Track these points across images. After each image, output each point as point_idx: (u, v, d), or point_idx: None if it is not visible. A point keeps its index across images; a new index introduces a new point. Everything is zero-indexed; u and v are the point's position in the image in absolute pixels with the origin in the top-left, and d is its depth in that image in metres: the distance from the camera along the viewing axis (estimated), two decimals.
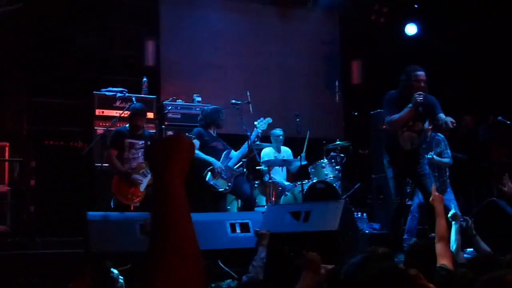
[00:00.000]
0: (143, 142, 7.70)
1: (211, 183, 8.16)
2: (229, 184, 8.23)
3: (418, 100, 6.73)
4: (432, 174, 7.57)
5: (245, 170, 8.58)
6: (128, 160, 7.62)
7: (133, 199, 7.46)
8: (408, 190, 8.11)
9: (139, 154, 7.64)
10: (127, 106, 8.46)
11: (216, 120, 8.44)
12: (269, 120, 8.68)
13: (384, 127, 9.88)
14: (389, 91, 7.13)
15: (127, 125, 7.82)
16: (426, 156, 7.53)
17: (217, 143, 8.42)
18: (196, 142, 8.14)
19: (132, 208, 7.43)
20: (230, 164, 8.29)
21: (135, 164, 7.60)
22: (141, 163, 7.56)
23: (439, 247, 4.48)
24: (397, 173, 7.11)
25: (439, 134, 8.43)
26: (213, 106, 8.62)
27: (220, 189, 8.21)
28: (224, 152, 8.38)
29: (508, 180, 6.75)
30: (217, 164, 8.18)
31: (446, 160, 8.32)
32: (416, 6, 11.57)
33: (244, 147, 8.59)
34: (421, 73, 6.90)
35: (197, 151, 8.09)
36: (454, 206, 8.00)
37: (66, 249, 7.25)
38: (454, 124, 6.58)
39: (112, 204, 7.58)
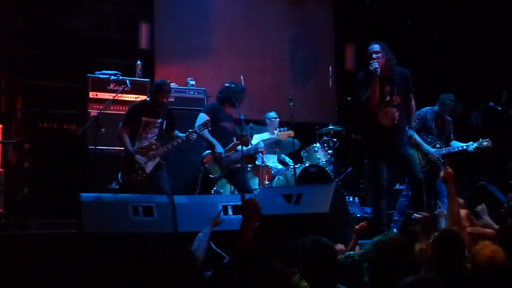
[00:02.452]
0: (160, 120, 7.48)
1: (206, 165, 8.18)
2: (221, 174, 8.18)
3: (370, 68, 6.66)
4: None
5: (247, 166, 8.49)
6: (140, 138, 7.44)
7: (139, 178, 7.32)
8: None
9: (154, 134, 7.47)
10: (121, 89, 8.45)
11: (230, 98, 8.28)
12: (291, 132, 8.68)
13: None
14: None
15: (147, 99, 7.63)
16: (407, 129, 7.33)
17: (228, 123, 8.31)
18: (204, 117, 8.06)
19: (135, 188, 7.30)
20: (233, 156, 8.19)
21: (146, 143, 7.44)
22: (152, 144, 7.43)
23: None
24: (375, 153, 7.01)
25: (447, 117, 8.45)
26: (234, 84, 8.44)
27: (212, 175, 8.21)
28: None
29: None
30: (219, 149, 8.07)
31: (429, 149, 8.26)
32: None
33: (252, 147, 8.66)
34: (372, 47, 6.84)
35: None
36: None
37: (60, 230, 7.30)
38: None
39: (114, 184, 7.56)
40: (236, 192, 8.47)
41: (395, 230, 7.46)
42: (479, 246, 3.69)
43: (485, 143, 8.26)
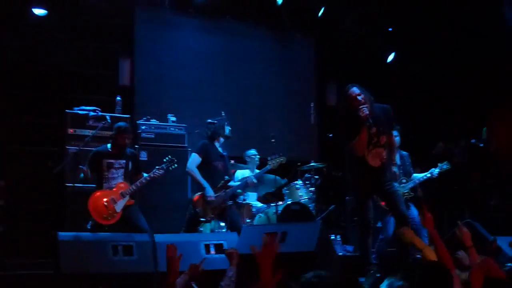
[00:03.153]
0: (124, 161, 7.57)
1: (197, 210, 8.05)
2: (212, 215, 8.08)
3: (362, 115, 6.56)
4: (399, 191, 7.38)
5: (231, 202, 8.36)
6: (107, 180, 7.48)
7: (109, 219, 7.32)
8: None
9: (119, 174, 7.53)
10: (100, 125, 8.35)
11: (216, 130, 8.29)
12: (283, 159, 8.56)
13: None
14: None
15: (108, 145, 7.68)
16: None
17: (219, 163, 8.21)
18: (197, 160, 8.07)
19: (107, 228, 7.29)
20: (227, 193, 8.10)
21: (114, 184, 7.48)
22: (120, 184, 7.48)
23: None
24: (363, 192, 6.95)
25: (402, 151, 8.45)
26: (217, 120, 8.43)
27: (203, 218, 8.09)
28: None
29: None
30: (209, 192, 8.00)
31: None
32: (390, 29, 11.67)
33: (243, 182, 8.61)
34: (353, 90, 6.72)
35: (194, 170, 8.01)
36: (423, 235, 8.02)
37: (36, 271, 7.11)
38: None
39: (89, 225, 7.46)
40: (219, 230, 8.36)
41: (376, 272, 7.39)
42: None
43: (445, 167, 8.27)
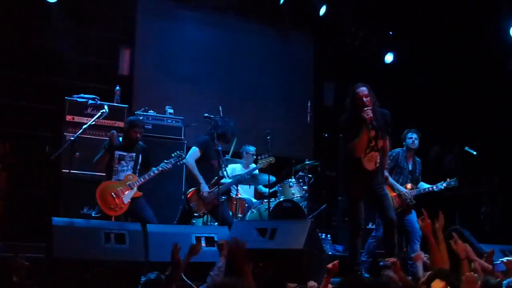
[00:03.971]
0: (134, 154, 7.67)
1: (191, 204, 8.11)
2: (205, 211, 8.16)
3: (366, 117, 6.61)
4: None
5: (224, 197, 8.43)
6: (117, 172, 7.59)
7: (116, 210, 7.44)
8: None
9: (129, 167, 7.64)
10: (98, 113, 8.42)
11: (227, 135, 8.39)
12: (272, 159, 8.72)
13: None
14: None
15: (120, 138, 7.75)
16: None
17: (215, 161, 8.25)
18: (197, 154, 8.14)
19: (113, 219, 7.42)
20: (219, 190, 8.11)
21: (123, 176, 7.58)
22: (128, 175, 7.58)
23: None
24: (357, 194, 6.99)
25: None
26: (228, 119, 8.50)
27: (195, 213, 8.16)
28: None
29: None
30: (204, 188, 8.05)
31: (402, 190, 8.29)
32: (391, 33, 11.74)
33: (237, 178, 8.75)
34: (362, 89, 6.75)
35: (193, 164, 8.08)
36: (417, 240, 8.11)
37: (29, 254, 7.16)
38: None
39: (94, 212, 7.60)
40: (211, 223, 8.44)
41: (363, 271, 7.47)
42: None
43: (452, 183, 8.33)
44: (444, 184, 8.35)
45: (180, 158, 7.82)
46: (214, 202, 8.07)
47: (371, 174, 6.90)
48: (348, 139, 6.82)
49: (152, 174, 7.63)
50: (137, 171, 7.69)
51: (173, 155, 7.82)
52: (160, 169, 7.66)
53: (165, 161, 7.71)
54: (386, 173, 7.80)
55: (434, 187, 8.38)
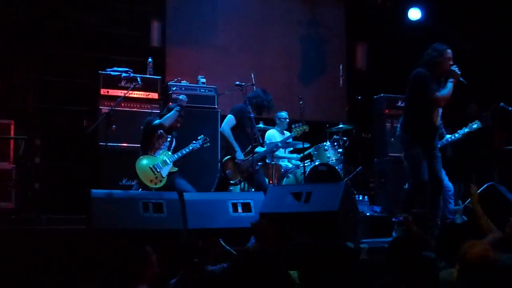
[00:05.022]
0: (170, 137, 7.96)
1: (227, 172, 8.23)
2: (241, 178, 8.29)
3: (458, 72, 6.91)
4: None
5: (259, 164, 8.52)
6: (154, 148, 7.83)
7: (156, 183, 7.67)
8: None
9: (164, 147, 7.90)
10: (132, 86, 8.52)
11: (263, 106, 8.47)
12: (306, 128, 8.78)
13: (387, 111, 10.06)
14: (418, 69, 7.05)
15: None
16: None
17: (249, 128, 8.36)
18: (233, 122, 8.27)
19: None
20: (255, 158, 8.18)
21: (158, 153, 7.82)
22: (164, 152, 7.85)
23: None
24: (423, 151, 7.05)
25: None
26: (270, 96, 8.62)
27: (231, 181, 8.28)
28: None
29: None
30: (240, 156, 8.18)
31: None
32: None
33: (271, 147, 8.88)
34: (450, 51, 7.01)
35: (229, 132, 8.22)
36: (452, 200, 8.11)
37: (69, 225, 7.34)
38: None
39: (135, 186, 7.84)
40: (249, 190, 8.54)
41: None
42: (469, 245, 3.68)
43: (474, 126, 8.26)
44: (466, 130, 8.29)
45: (205, 142, 8.12)
46: (250, 170, 8.15)
47: (436, 130, 7.15)
48: (433, 90, 6.92)
49: (184, 152, 7.91)
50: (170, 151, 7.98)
51: (198, 138, 8.10)
52: (191, 147, 7.97)
53: (194, 141, 8.02)
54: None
55: (456, 134, 8.31)
